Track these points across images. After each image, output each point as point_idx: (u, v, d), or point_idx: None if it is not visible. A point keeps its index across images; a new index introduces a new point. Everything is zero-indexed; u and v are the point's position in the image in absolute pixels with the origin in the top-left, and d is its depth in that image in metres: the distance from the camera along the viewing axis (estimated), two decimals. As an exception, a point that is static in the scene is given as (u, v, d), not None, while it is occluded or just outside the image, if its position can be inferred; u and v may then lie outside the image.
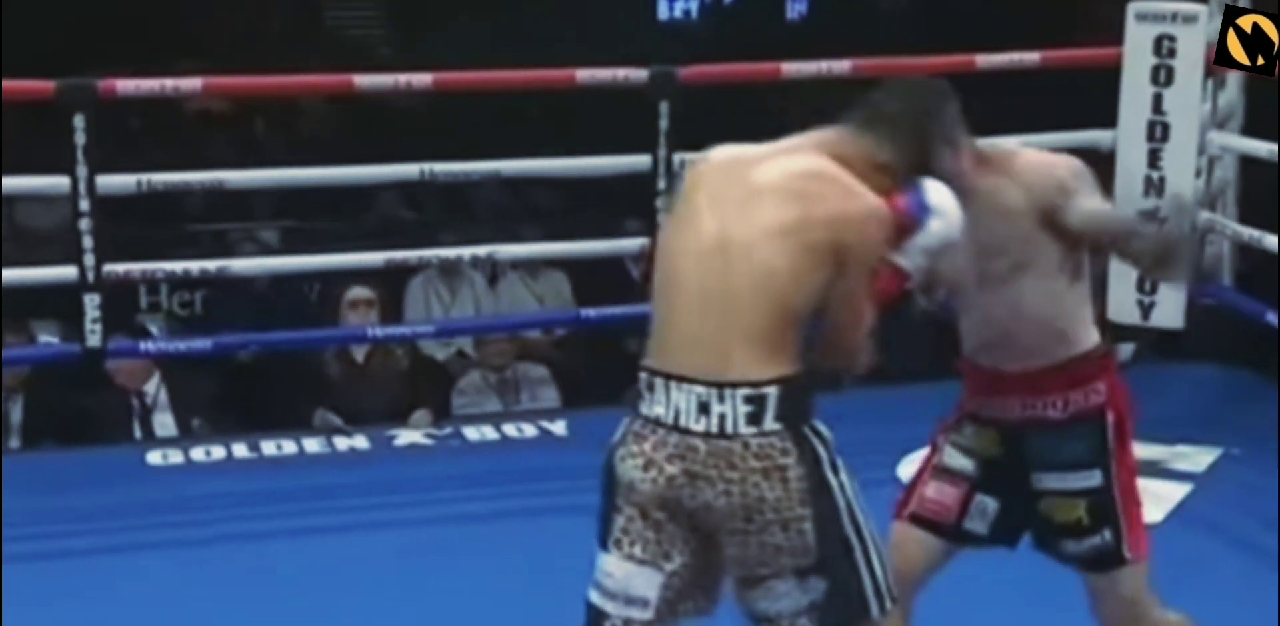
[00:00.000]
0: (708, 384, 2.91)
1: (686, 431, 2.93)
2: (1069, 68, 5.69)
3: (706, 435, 2.92)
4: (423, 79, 5.06)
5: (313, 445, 5.42)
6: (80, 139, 4.83)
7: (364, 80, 5.08)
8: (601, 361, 6.93)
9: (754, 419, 2.90)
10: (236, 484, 5.10)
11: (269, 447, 5.39)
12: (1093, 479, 3.22)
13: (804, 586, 2.95)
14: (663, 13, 11.22)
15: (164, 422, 5.98)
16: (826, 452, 2.94)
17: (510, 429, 5.56)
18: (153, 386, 5.98)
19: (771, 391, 2.90)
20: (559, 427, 5.56)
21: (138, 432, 5.94)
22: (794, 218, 2.92)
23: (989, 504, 3.31)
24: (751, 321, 2.90)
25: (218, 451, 5.36)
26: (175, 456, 5.33)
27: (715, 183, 3.02)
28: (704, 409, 2.92)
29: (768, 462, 2.90)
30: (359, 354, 5.83)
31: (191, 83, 4.98)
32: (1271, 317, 5.28)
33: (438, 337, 6.24)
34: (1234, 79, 5.71)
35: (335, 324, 5.95)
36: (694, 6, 11.26)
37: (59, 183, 4.93)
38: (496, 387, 6.30)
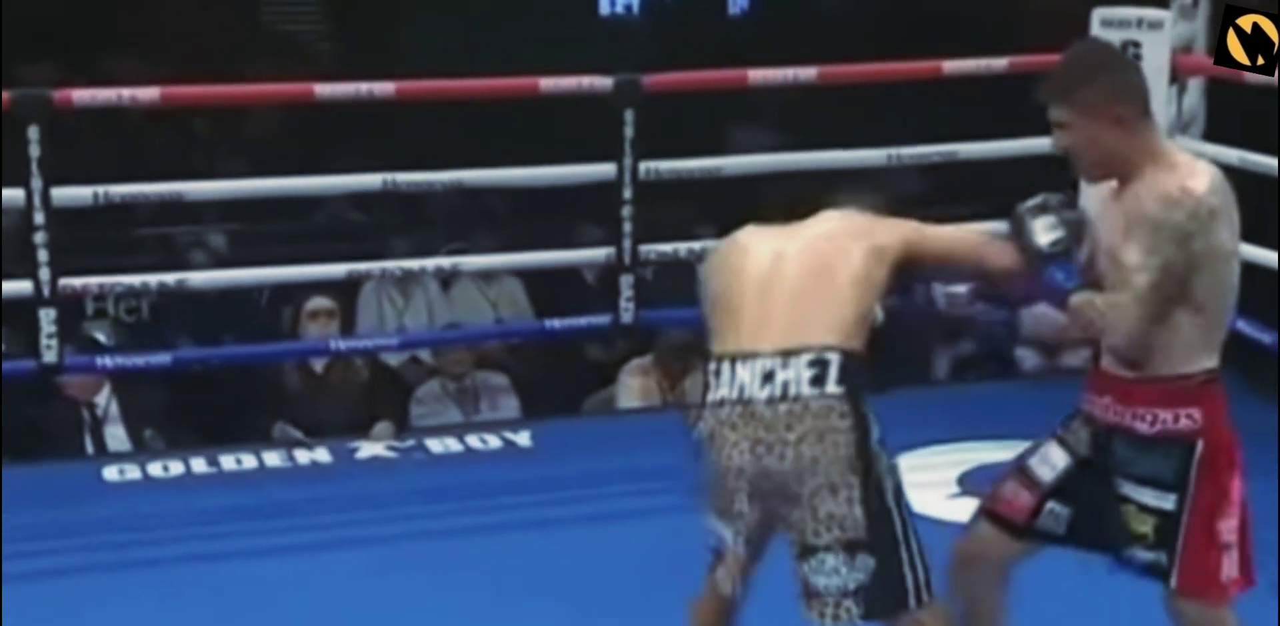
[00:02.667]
0: (773, 354, 3.17)
1: (750, 401, 3.17)
2: (1037, 74, 5.65)
3: (770, 400, 3.16)
4: (385, 88, 4.98)
5: (273, 459, 5.33)
6: (35, 151, 4.71)
7: (324, 89, 4.99)
8: (561, 368, 6.88)
9: (816, 381, 3.13)
10: (197, 500, 5.01)
11: (228, 462, 5.30)
12: (1166, 501, 3.19)
13: (853, 563, 3.13)
14: (604, 9, 11.16)
15: (115, 435, 5.86)
16: (877, 429, 3.16)
17: (474, 440, 5.49)
18: (103, 398, 5.85)
19: (834, 357, 3.14)
20: (523, 439, 5.50)
21: (89, 445, 5.82)
22: (846, 227, 3.30)
23: (1061, 510, 3.32)
24: (817, 299, 3.20)
25: (176, 466, 5.27)
26: (132, 472, 5.24)
27: (760, 235, 3.38)
28: (769, 378, 3.16)
29: (823, 423, 3.12)
30: (318, 365, 5.74)
31: (149, 93, 4.87)
32: (1238, 323, 5.28)
33: (402, 349, 6.15)
34: (1195, 84, 5.70)
35: (288, 329, 5.86)
36: (635, 2, 11.20)
37: (13, 195, 4.81)
38: (455, 397, 6.23)
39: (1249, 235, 5.32)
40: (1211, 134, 5.74)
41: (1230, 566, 3.20)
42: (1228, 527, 3.19)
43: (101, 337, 6.47)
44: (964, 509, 4.86)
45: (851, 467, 3.11)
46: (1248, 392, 5.30)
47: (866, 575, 3.13)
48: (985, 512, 3.40)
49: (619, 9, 11.19)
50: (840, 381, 3.13)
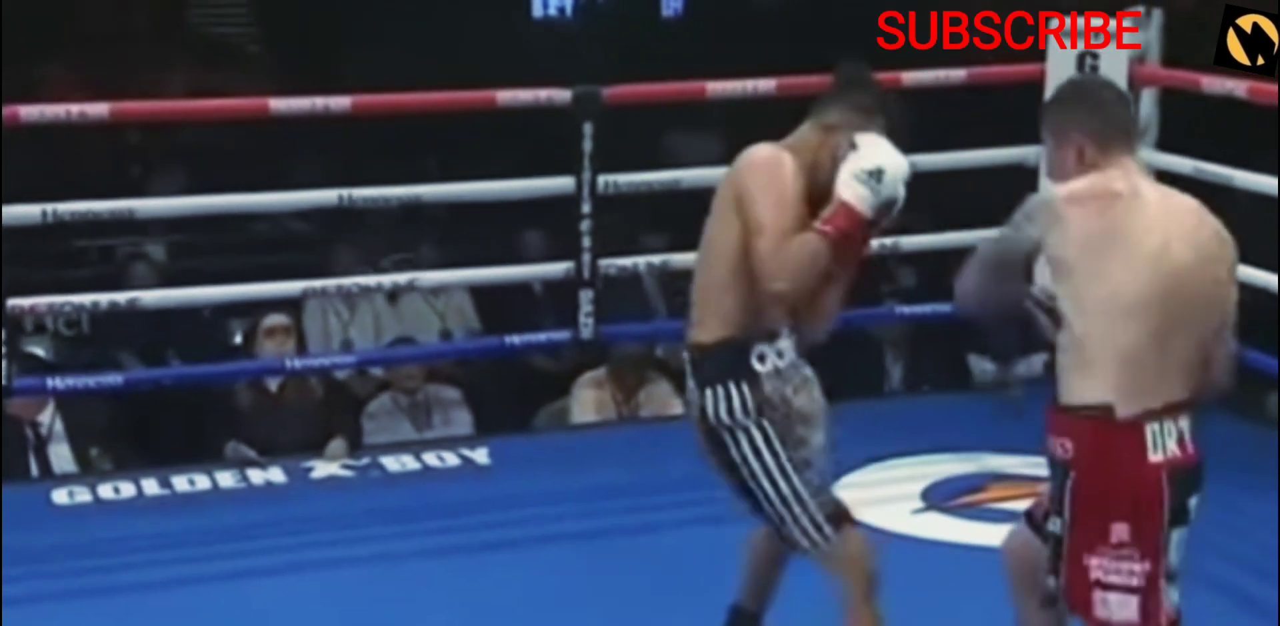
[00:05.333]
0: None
1: None
2: (994, 85, 5.66)
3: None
4: (341, 103, 4.90)
5: (226, 479, 5.23)
6: (-18, 169, 4.61)
7: (279, 104, 4.90)
8: (510, 379, 6.82)
9: (693, 378, 3.46)
10: (150, 524, 4.90)
11: (181, 483, 5.19)
12: (1054, 525, 3.16)
13: (759, 521, 3.53)
14: (537, 11, 11.10)
15: (60, 453, 5.72)
16: (729, 417, 3.39)
17: (431, 458, 5.40)
18: (47, 416, 5.71)
19: (697, 357, 3.45)
20: (480, 456, 5.41)
21: (33, 465, 5.69)
22: (720, 197, 3.42)
23: None
24: (697, 290, 3.45)
25: (127, 488, 5.16)
26: (82, 494, 5.13)
27: None
28: None
29: (699, 414, 3.45)
30: (272, 383, 5.63)
31: (98, 109, 4.77)
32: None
33: (360, 366, 6.06)
34: (1148, 94, 5.71)
35: (243, 346, 5.75)
36: (569, 4, 11.14)
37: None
38: (408, 411, 6.15)
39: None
40: (1161, 143, 5.75)
41: (1107, 608, 3.09)
42: (1099, 565, 3.09)
43: (41, 353, 6.36)
44: (929, 524, 4.87)
45: (713, 452, 3.46)
46: (1246, 418, 5.34)
47: (771, 529, 3.52)
48: (1027, 516, 3.41)
49: (552, 12, 11.14)
50: (700, 380, 3.43)
